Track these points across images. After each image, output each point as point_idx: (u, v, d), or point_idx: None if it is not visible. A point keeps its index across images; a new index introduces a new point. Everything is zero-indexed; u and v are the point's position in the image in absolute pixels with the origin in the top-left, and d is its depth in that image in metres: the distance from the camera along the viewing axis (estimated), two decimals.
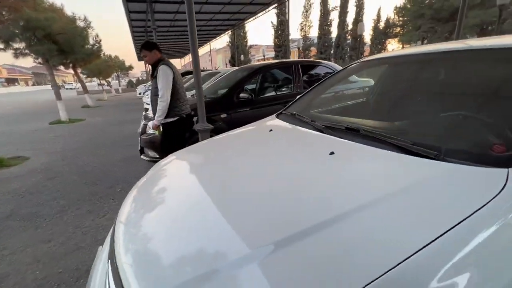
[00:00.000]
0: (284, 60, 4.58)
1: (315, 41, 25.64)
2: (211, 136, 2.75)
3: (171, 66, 2.62)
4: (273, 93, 3.85)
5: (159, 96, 2.56)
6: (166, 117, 2.63)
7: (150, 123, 2.79)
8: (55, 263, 1.89)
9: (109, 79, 25.45)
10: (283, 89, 3.94)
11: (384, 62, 1.98)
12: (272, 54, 25.75)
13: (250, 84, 3.73)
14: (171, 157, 1.53)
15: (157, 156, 3.37)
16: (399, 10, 24.27)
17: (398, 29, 25.13)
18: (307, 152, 1.16)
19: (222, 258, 0.66)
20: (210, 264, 0.65)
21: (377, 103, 1.77)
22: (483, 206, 0.65)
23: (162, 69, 2.55)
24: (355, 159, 1.00)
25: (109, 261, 0.92)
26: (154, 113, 2.71)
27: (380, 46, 25.58)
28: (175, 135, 2.80)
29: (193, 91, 5.50)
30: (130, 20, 10.41)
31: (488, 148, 0.87)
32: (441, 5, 19.02)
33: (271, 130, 1.52)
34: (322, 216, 0.71)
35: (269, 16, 26.71)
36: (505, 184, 0.70)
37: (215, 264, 0.64)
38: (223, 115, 3.40)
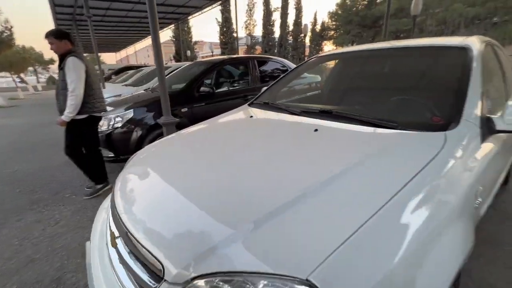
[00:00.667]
0: (241, 55, 4.69)
1: (260, 39, 26.38)
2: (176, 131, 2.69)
3: (82, 59, 2.41)
4: (232, 87, 3.92)
5: (70, 90, 2.33)
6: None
7: (58, 119, 2.47)
8: (6, 280, 1.62)
9: (23, 75, 21.43)
10: (242, 83, 4.04)
11: (335, 58, 2.29)
12: (218, 51, 25.51)
13: (209, 78, 3.72)
14: (157, 144, 1.50)
15: (112, 155, 3.11)
16: (332, 15, 26.79)
17: (332, 32, 27.77)
18: (294, 130, 1.31)
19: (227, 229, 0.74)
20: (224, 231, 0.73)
21: (335, 92, 2.04)
22: (434, 157, 0.89)
23: (71, 61, 2.32)
24: (336, 133, 1.19)
25: (115, 248, 0.91)
26: (61, 109, 2.44)
27: (317, 47, 27.83)
28: (80, 135, 2.55)
29: (146, 85, 5.15)
30: (54, 5, 8.99)
31: (430, 119, 1.15)
32: (365, 14, 21.79)
33: (251, 116, 1.63)
34: (320, 177, 0.86)
35: (213, 13, 26.36)
36: (444, 142, 0.96)
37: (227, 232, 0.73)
38: (184, 109, 3.32)
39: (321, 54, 2.29)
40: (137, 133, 3.10)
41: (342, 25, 25.42)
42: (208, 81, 3.67)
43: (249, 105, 2.01)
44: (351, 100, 1.64)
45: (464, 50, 1.38)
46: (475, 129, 1.06)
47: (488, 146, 1.10)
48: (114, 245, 0.90)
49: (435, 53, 1.49)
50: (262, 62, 4.32)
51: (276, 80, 2.25)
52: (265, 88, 2.22)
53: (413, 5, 4.78)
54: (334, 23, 26.93)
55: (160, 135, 3.10)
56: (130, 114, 3.12)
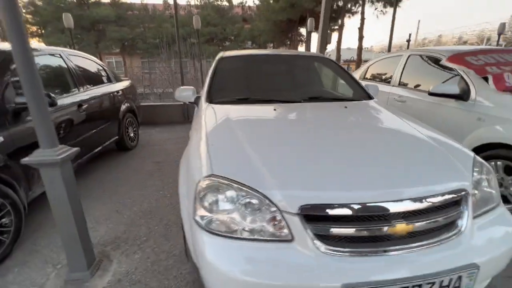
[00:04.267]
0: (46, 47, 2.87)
1: None
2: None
3: None
4: (71, 94, 2.51)
5: None
6: None
7: None
8: None
9: None
10: (68, 87, 2.68)
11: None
12: None
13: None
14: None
15: None
16: (27, 5, 20.74)
17: (34, 27, 21.70)
18: (328, 109, 1.78)
19: None
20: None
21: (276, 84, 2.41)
22: (382, 106, 1.91)
23: None
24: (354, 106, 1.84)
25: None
26: None
27: None
28: None
29: None
30: None
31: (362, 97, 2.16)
32: (81, 13, 19.49)
33: (275, 109, 1.66)
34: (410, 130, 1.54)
35: None
36: (378, 102, 2.02)
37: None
38: None
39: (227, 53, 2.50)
40: None
41: (49, 22, 20.65)
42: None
43: (214, 103, 1.84)
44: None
45: (327, 59, 2.56)
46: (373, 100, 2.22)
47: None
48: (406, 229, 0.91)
49: (321, 60, 2.58)
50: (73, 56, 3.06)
51: (211, 79, 2.13)
52: (207, 86, 2.04)
53: (194, 21, 5.73)
54: (31, 16, 20.97)
55: None
56: None
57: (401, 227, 0.93)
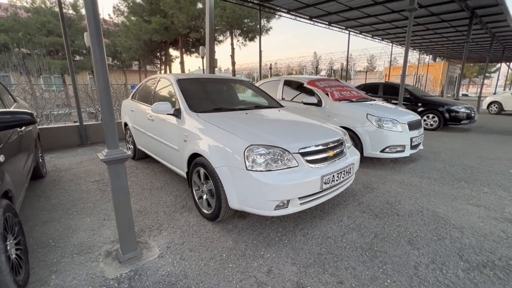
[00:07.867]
0: None
1: None
2: None
3: None
4: None
5: None
6: None
7: None
8: None
9: None
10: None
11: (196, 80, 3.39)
12: None
13: None
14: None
15: None
16: None
17: None
18: (272, 111, 2.96)
19: None
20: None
21: (218, 98, 3.35)
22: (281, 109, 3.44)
23: None
24: (281, 110, 3.12)
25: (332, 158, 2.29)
26: None
27: None
28: None
29: None
30: None
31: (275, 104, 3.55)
32: None
33: (246, 113, 2.66)
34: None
35: None
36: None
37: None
38: None
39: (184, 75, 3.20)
40: None
41: None
42: None
43: (198, 112, 2.62)
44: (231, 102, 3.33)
45: (253, 84, 3.84)
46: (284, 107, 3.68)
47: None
48: (332, 154, 2.24)
49: (249, 84, 3.77)
50: None
51: (183, 96, 2.81)
52: (184, 100, 2.73)
53: (86, 36, 5.26)
54: None
55: None
56: None
57: (331, 152, 2.27)
